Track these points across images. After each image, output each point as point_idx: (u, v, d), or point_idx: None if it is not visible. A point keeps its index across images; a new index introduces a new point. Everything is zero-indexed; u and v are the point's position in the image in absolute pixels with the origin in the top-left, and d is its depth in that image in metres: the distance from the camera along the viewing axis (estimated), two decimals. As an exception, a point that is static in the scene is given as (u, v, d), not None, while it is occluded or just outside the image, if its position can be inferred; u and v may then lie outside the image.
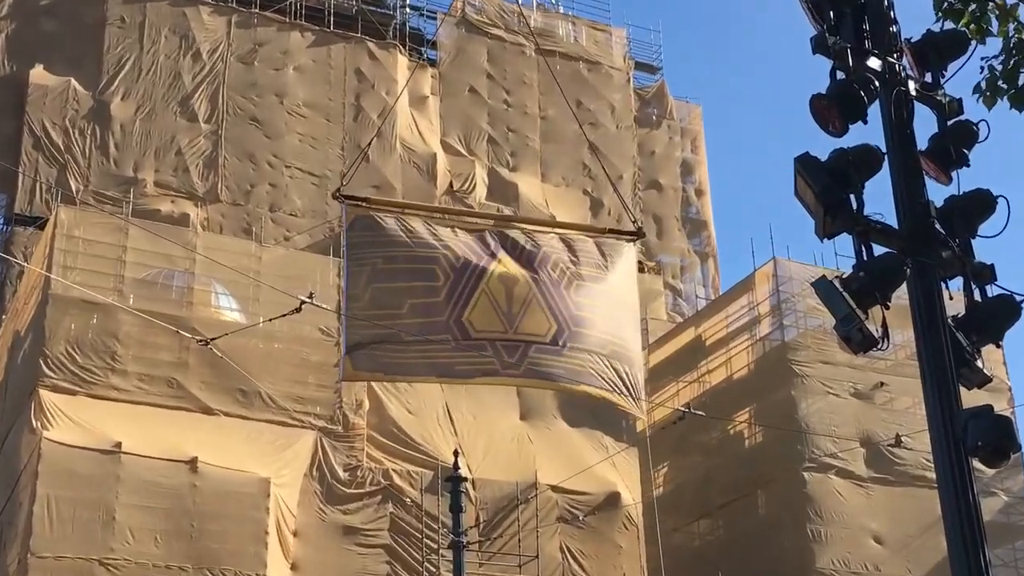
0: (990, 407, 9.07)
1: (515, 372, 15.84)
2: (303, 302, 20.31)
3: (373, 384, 36.37)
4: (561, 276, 16.49)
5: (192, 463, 32.68)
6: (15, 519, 32.06)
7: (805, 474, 36.37)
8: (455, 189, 48.46)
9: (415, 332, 15.31)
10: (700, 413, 36.23)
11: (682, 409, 36.11)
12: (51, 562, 30.49)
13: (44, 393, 32.57)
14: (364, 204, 16.49)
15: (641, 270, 50.44)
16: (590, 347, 16.13)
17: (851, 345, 9.81)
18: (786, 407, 37.35)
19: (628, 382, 16.44)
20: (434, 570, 32.89)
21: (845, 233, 10.08)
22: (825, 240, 10.19)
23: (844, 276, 10.07)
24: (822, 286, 9.86)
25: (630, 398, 16.60)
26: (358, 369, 15.39)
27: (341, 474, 35.27)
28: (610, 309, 16.79)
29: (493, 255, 16.27)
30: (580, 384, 16.17)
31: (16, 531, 31.60)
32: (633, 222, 19.52)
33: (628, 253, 17.63)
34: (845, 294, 9.66)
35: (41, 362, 32.99)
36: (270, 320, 28.70)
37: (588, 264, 16.90)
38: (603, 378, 16.15)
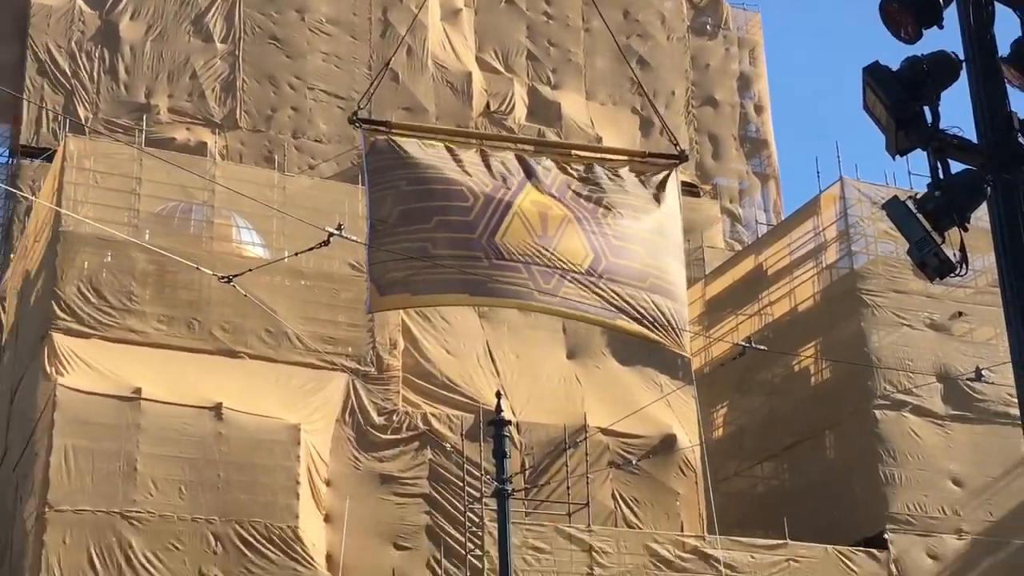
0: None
1: (550, 300, 15.84)
2: (331, 234, 20.32)
3: (407, 321, 36.64)
4: (598, 204, 16.42)
5: (217, 409, 33.10)
6: (31, 471, 32.62)
7: (877, 412, 36.34)
8: (492, 110, 48.29)
9: (445, 247, 15.34)
10: (762, 348, 36.20)
11: (742, 344, 36.08)
12: (70, 516, 31.06)
13: (57, 337, 33.01)
14: (383, 128, 16.47)
15: (696, 194, 50.39)
16: (628, 279, 16.11)
17: (927, 271, 9.75)
18: (856, 340, 37.26)
19: (669, 317, 16.42)
20: (477, 520, 33.23)
21: (919, 149, 9.98)
22: (897, 157, 10.10)
23: (919, 196, 9.99)
24: (895, 207, 9.80)
25: (672, 334, 16.56)
26: (385, 294, 15.48)
27: (376, 419, 35.59)
28: (651, 239, 16.71)
29: (525, 180, 16.22)
30: (617, 318, 16.18)
31: (33, 484, 32.16)
32: (675, 144, 19.19)
33: (671, 179, 17.48)
34: (920, 216, 9.60)
35: (53, 304, 33.41)
36: (296, 255, 28.80)
37: (627, 191, 16.81)
38: (641, 313, 16.16)
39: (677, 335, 16.63)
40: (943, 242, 9.63)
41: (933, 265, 9.58)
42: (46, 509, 30.95)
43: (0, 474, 38.31)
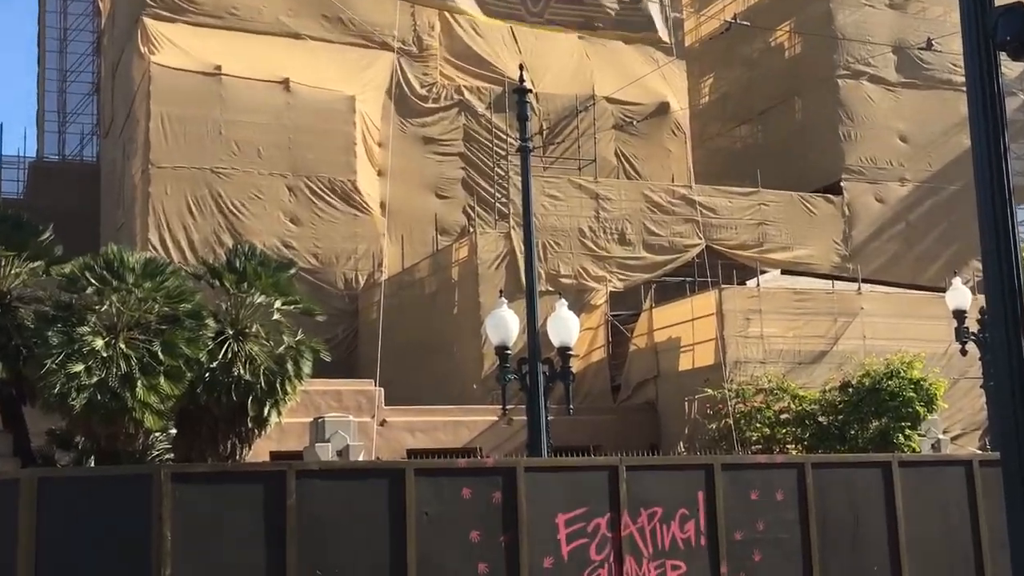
0: (1021, 3, 8.63)
1: (539, 19, 15.49)
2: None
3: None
4: None
5: (285, 83, 32.88)
6: (135, 135, 32.79)
7: (839, 81, 35.79)
8: None
9: None
10: (745, 24, 35.30)
11: (728, 21, 35.15)
12: (169, 172, 31.44)
13: (148, 21, 32.45)
14: None
15: None
16: None
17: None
18: (824, 18, 36.25)
19: (647, 15, 16.03)
20: (503, 173, 33.39)
21: None
22: None
23: None
24: None
25: (650, 30, 16.21)
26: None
27: (418, 90, 35.33)
28: None
29: None
30: (598, 25, 15.81)
31: (137, 146, 32.39)
32: None
33: None
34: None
35: (143, -8, 32.68)
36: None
37: None
38: (619, 18, 15.78)
39: (655, 29, 16.30)
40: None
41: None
42: (149, 166, 31.29)
43: (109, 140, 38.51)
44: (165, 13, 32.66)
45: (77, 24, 43.93)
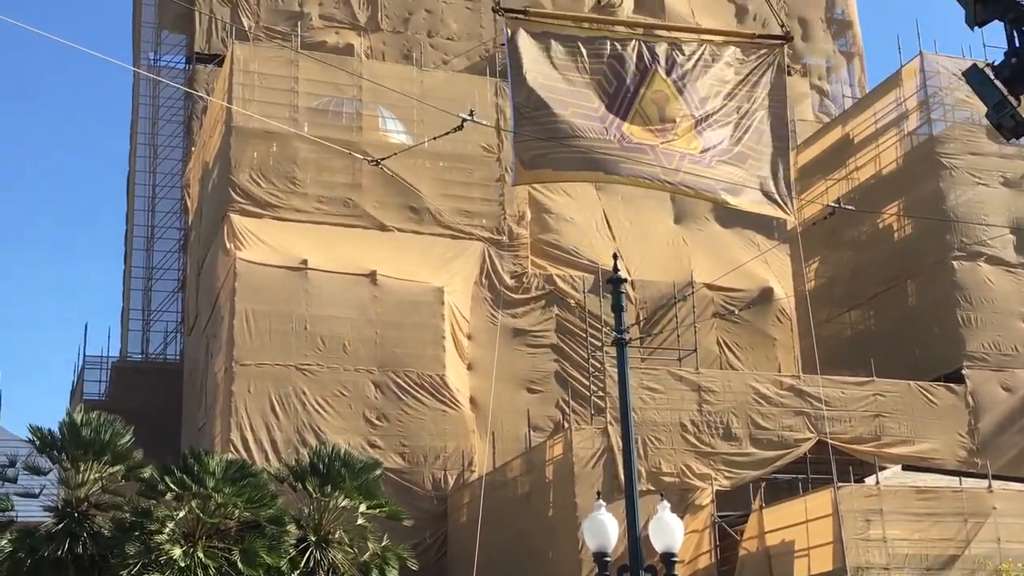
0: None
1: (672, 180, 15.62)
2: (464, 120, 20.14)
3: (534, 195, 36.61)
4: (709, 91, 16.02)
5: (372, 276, 33.65)
6: (219, 332, 33.62)
7: (955, 263, 35.55)
8: (602, 3, 47.26)
9: (580, 131, 15.17)
10: (850, 208, 35.47)
11: (832, 205, 35.35)
12: (253, 369, 32.03)
13: (234, 217, 33.71)
14: (523, 16, 16.13)
15: (787, 73, 49.05)
16: (737, 162, 15.80)
17: (1003, 132, 9.32)
18: (935, 199, 36.32)
19: (777, 188, 16.10)
20: (599, 366, 33.43)
21: (996, 20, 9.48)
22: (975, 29, 9.62)
23: (995, 64, 9.53)
24: (974, 75, 9.36)
25: (778, 203, 16.25)
26: (530, 169, 15.32)
27: (508, 281, 35.87)
28: (757, 119, 16.28)
29: (646, 71, 15.82)
30: (733, 196, 15.91)
31: (220, 343, 33.17)
32: (781, 26, 18.65)
33: (776, 58, 16.94)
34: (997, 81, 9.16)
35: (229, 189, 34.03)
36: (434, 139, 28.82)
37: (735, 74, 16.33)
38: (751, 188, 15.86)
39: (783, 203, 16.33)
40: (1019, 105, 9.19)
41: (1009, 126, 9.15)
42: (233, 364, 31.94)
43: (193, 338, 39.54)
44: (252, 209, 33.93)
45: (164, 222, 45.79)
